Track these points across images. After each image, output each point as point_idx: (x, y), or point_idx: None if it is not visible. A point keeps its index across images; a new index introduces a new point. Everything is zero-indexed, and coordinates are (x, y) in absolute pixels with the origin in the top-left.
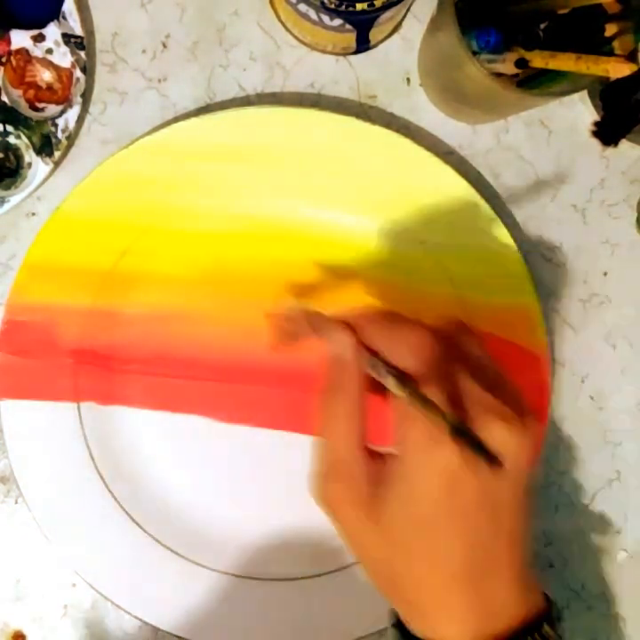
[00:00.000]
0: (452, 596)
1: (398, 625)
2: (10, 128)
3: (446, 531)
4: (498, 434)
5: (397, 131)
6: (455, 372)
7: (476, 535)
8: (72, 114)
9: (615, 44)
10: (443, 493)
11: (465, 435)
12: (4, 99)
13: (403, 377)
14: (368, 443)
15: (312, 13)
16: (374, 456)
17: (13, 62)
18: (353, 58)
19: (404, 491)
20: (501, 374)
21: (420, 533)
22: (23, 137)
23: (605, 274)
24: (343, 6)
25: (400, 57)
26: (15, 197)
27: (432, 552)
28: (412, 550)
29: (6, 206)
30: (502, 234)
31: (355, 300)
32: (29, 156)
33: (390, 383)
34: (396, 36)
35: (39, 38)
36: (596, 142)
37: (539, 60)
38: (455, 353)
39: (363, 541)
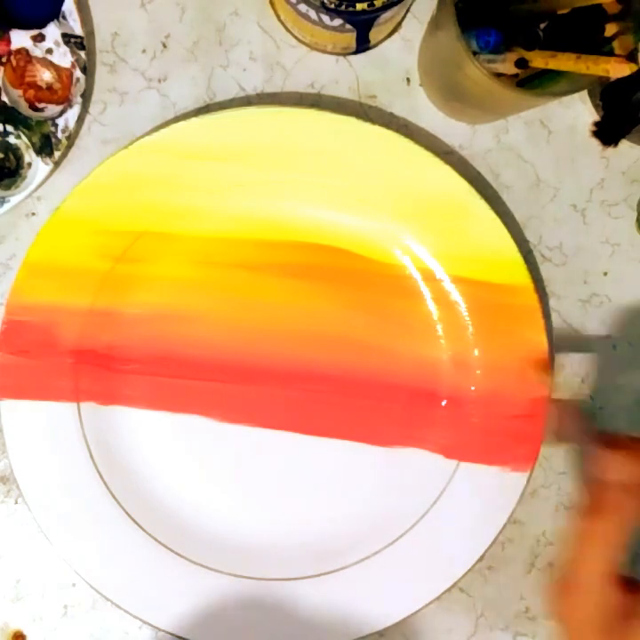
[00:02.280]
0: None
1: None
2: (10, 128)
3: None
4: None
5: (397, 131)
6: None
7: None
8: (72, 114)
9: (615, 44)
10: None
11: None
12: (4, 99)
13: None
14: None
15: (312, 13)
16: (627, 587)
17: (13, 62)
18: (353, 58)
19: None
20: None
21: None
22: (23, 137)
23: (605, 274)
24: (343, 6)
25: (400, 57)
26: (15, 197)
27: None
28: None
29: (6, 206)
30: (502, 234)
31: (354, 298)
32: (29, 155)
33: None
34: (396, 36)
35: (39, 38)
36: (595, 142)
37: (539, 59)
38: None
39: None
